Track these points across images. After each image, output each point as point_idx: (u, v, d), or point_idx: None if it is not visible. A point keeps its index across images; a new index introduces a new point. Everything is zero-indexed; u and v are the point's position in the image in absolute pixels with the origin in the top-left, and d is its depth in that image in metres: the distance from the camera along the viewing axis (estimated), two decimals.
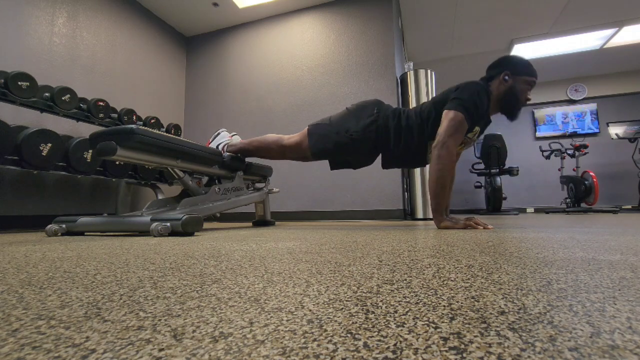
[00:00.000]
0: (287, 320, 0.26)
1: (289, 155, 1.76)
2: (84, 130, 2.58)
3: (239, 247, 0.81)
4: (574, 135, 5.56)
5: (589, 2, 3.54)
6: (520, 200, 5.63)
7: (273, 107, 3.49)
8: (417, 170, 3.01)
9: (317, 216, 3.16)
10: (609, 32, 4.12)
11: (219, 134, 1.97)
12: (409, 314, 0.27)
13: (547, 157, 4.56)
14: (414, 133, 1.52)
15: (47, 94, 2.10)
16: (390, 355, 0.20)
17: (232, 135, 2.01)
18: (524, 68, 1.43)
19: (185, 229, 1.20)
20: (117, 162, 2.30)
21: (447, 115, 1.39)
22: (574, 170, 4.36)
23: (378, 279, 0.42)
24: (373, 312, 0.28)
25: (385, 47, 3.13)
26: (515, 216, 3.25)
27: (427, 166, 2.87)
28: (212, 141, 1.96)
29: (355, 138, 1.56)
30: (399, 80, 3.21)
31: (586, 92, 5.55)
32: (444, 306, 0.29)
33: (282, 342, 0.22)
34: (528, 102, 6.46)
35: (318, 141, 1.62)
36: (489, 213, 4.24)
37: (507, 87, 1.44)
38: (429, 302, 0.31)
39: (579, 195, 4.15)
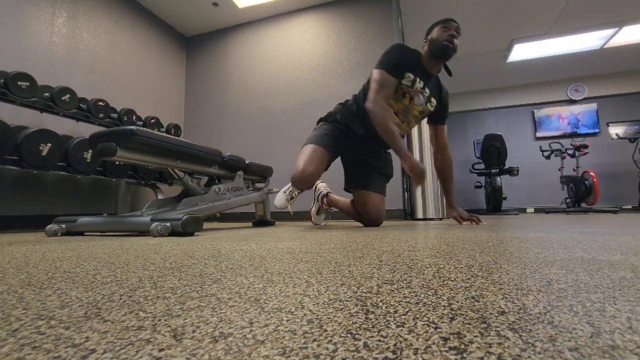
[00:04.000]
0: (287, 321, 0.26)
1: (306, 185, 1.62)
2: (84, 130, 2.58)
3: (239, 247, 0.81)
4: (574, 135, 5.56)
5: (589, 2, 3.53)
6: (520, 200, 5.62)
7: (273, 107, 3.49)
8: None
9: None
10: (609, 32, 4.11)
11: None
12: (409, 314, 0.27)
13: (547, 157, 4.56)
14: (360, 102, 1.72)
15: (47, 94, 2.10)
16: (390, 355, 0.19)
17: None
18: (435, 23, 1.65)
19: (185, 229, 1.20)
20: (117, 163, 2.30)
21: (371, 77, 1.62)
22: (574, 170, 4.36)
23: (378, 279, 0.42)
24: (373, 312, 0.28)
25: (385, 47, 3.13)
26: (516, 216, 3.25)
27: (429, 166, 2.89)
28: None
29: (336, 119, 1.75)
30: None
31: (586, 92, 5.55)
32: (444, 306, 0.29)
33: (282, 342, 0.22)
34: (528, 103, 6.35)
35: (307, 141, 1.70)
36: (489, 213, 4.24)
37: (428, 42, 1.65)
38: (429, 302, 0.31)
39: (579, 195, 4.14)
